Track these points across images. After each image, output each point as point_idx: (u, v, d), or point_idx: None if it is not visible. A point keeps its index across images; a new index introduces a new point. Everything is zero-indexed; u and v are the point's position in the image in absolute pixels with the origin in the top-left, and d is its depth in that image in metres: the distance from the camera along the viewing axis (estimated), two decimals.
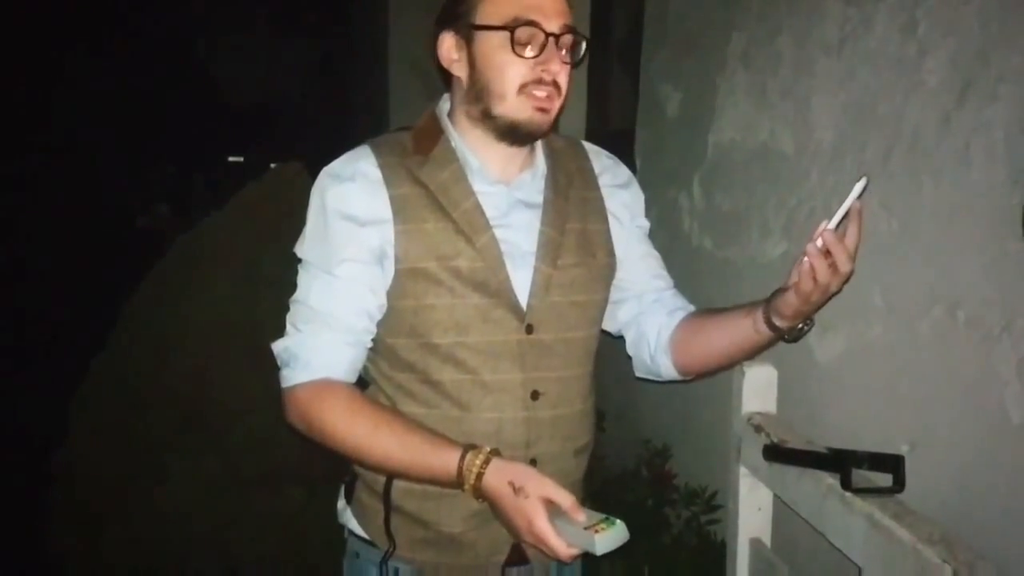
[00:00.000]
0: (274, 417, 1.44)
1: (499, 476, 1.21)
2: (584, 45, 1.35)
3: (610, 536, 1.17)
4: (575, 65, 1.35)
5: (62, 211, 9.51)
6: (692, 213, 2.33)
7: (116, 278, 3.88)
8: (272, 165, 3.34)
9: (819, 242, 1.21)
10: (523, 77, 1.29)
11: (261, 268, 2.96)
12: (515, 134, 1.34)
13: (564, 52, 1.31)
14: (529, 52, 1.28)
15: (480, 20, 1.30)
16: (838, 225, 1.22)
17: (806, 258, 1.22)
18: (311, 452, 1.43)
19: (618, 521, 1.18)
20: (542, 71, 1.29)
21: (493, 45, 1.29)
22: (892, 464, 1.31)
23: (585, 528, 1.17)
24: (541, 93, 1.30)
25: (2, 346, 5.76)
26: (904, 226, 1.47)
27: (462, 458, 1.23)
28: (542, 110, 1.32)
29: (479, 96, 1.33)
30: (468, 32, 1.31)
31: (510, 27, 1.27)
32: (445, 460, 1.24)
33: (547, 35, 1.28)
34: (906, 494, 1.29)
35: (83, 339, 3.35)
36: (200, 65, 12.28)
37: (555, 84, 1.31)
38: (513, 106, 1.31)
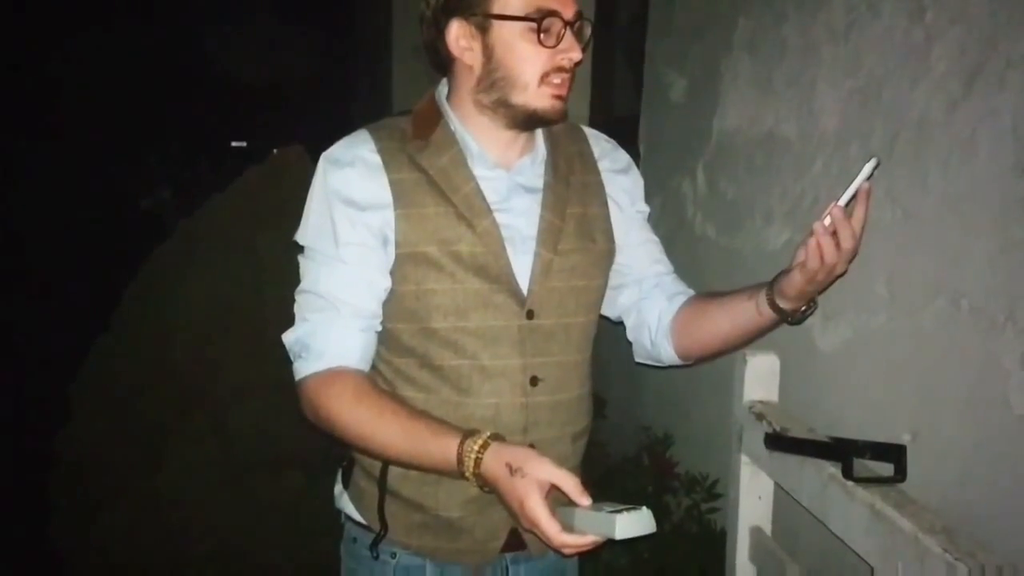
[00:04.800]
0: (274, 401, 1.43)
1: (497, 458, 1.18)
2: (590, 29, 1.35)
3: (632, 519, 1.09)
4: (584, 49, 1.35)
5: (65, 194, 9.52)
6: (696, 201, 2.32)
7: (118, 261, 3.88)
8: (274, 150, 3.33)
9: (827, 220, 1.22)
10: (544, 67, 1.30)
11: (262, 252, 2.96)
12: (532, 122, 1.35)
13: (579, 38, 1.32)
14: (551, 41, 1.29)
15: (499, 10, 1.28)
16: (847, 204, 1.22)
17: (813, 236, 1.22)
18: (311, 436, 1.42)
19: (644, 507, 1.11)
20: (562, 59, 1.30)
21: (514, 35, 1.29)
22: (894, 454, 1.30)
23: (609, 512, 1.10)
24: (558, 80, 1.31)
25: (3, 328, 5.78)
26: (909, 215, 1.46)
27: (461, 444, 1.20)
28: (560, 97, 1.33)
29: (494, 85, 1.32)
30: (483, 21, 1.29)
31: (534, 17, 1.27)
32: (445, 446, 1.21)
33: (565, 23, 1.29)
34: (908, 484, 1.29)
35: (84, 322, 3.35)
36: (204, 50, 12.24)
37: (571, 70, 1.32)
38: (534, 95, 1.31)
